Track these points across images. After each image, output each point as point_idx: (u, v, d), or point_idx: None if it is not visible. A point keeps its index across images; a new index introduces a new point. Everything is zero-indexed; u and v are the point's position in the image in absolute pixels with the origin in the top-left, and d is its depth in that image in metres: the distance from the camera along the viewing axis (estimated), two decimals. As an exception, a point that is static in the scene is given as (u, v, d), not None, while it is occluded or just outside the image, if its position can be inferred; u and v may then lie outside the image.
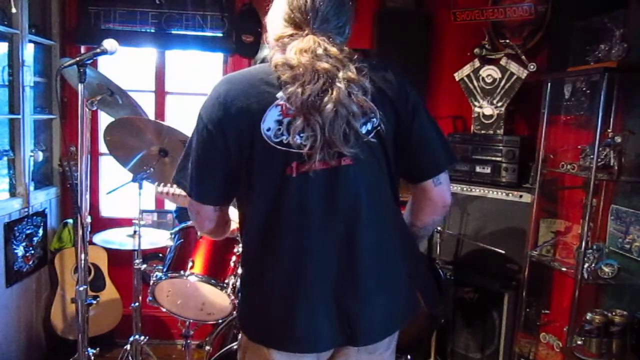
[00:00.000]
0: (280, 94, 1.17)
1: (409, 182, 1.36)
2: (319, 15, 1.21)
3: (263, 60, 3.36)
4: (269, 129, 1.17)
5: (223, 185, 1.25)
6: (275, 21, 1.27)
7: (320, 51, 1.17)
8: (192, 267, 2.12)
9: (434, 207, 1.36)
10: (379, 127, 1.22)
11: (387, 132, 1.23)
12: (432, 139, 1.30)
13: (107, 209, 3.57)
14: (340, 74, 1.15)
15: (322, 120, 1.13)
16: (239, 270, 2.16)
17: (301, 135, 1.15)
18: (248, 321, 1.30)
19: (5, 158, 2.84)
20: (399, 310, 1.31)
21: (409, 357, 2.38)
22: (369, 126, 1.21)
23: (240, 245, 2.28)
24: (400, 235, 1.33)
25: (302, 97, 1.13)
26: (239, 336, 1.39)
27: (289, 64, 1.17)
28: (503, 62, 2.91)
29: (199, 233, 2.21)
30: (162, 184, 1.86)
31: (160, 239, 2.56)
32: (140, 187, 2.36)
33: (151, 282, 2.18)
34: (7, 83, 2.82)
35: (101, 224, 3.14)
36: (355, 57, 1.22)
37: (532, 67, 2.83)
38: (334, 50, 1.19)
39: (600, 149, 2.25)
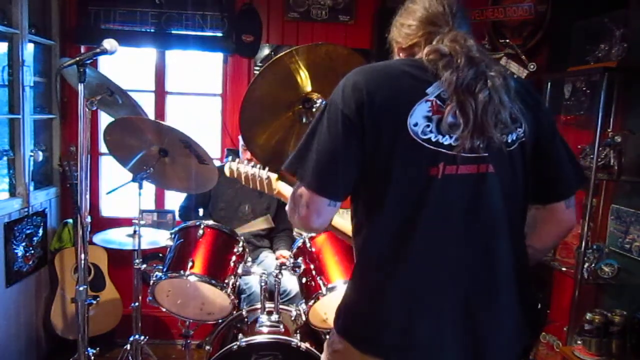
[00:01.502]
0: (430, 89, 1.11)
1: (537, 201, 1.28)
2: (456, 17, 1.22)
3: (263, 60, 3.38)
4: (416, 124, 1.10)
5: (348, 178, 1.15)
6: (408, 24, 1.24)
7: (470, 43, 1.15)
8: (192, 267, 2.12)
9: (561, 229, 1.31)
10: (523, 138, 1.17)
11: (529, 146, 1.18)
12: (567, 159, 1.26)
13: (107, 209, 3.57)
14: (494, 66, 1.14)
15: (476, 105, 1.09)
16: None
17: (451, 135, 1.10)
18: (360, 329, 1.17)
19: (5, 158, 2.84)
20: (520, 334, 1.23)
21: None
22: (514, 136, 1.15)
23: (241, 245, 2.28)
24: (524, 256, 1.25)
25: (458, 81, 1.09)
26: (329, 343, 1.27)
27: (441, 52, 1.14)
28: (503, 62, 2.91)
29: (199, 232, 2.21)
30: (237, 160, 1.72)
31: (160, 239, 2.56)
32: (140, 187, 2.36)
33: (151, 282, 2.17)
34: (7, 83, 2.82)
35: (101, 224, 3.14)
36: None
37: (532, 67, 2.84)
38: (481, 46, 1.18)
39: (600, 148, 2.25)
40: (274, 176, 1.67)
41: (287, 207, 1.30)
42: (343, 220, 1.54)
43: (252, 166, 1.68)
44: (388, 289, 1.14)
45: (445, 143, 1.10)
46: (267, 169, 1.69)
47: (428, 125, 1.10)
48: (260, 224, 2.65)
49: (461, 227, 1.12)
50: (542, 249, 1.34)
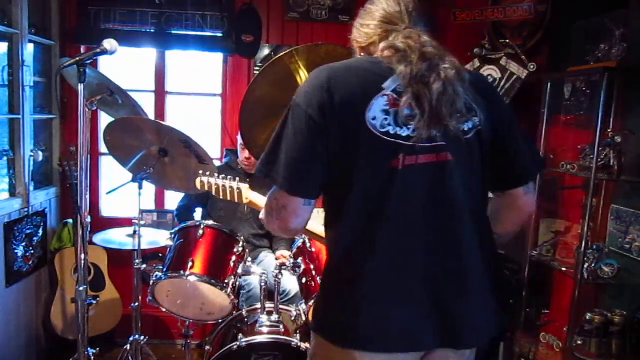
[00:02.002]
0: (386, 84, 1.16)
1: (496, 188, 1.34)
2: (412, 15, 1.27)
3: (263, 60, 3.38)
4: (374, 118, 1.15)
5: (318, 176, 1.19)
6: (368, 24, 1.30)
7: (424, 39, 1.21)
8: (192, 267, 2.12)
9: (521, 215, 1.35)
10: (479, 127, 1.22)
11: (486, 134, 1.23)
12: (525, 146, 1.30)
13: (107, 209, 3.57)
14: (446, 59, 1.19)
15: (431, 95, 1.13)
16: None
17: (409, 127, 1.15)
18: (335, 325, 1.21)
19: (5, 158, 2.84)
20: (493, 315, 1.27)
21: None
22: (470, 124, 1.21)
23: (241, 245, 2.28)
24: (489, 240, 1.30)
25: (412, 73, 1.14)
26: (310, 342, 1.30)
27: (395, 47, 1.19)
28: (503, 62, 2.91)
29: (199, 233, 2.21)
30: (208, 173, 1.77)
31: (160, 239, 2.56)
32: (140, 187, 2.36)
33: (151, 282, 2.18)
34: (7, 83, 2.82)
35: (101, 224, 3.14)
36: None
37: (532, 67, 2.84)
38: (435, 42, 1.23)
39: (600, 148, 2.25)
40: (244, 187, 1.74)
41: (261, 215, 1.35)
42: (317, 224, 1.59)
43: (223, 178, 1.73)
44: (359, 282, 1.17)
45: (404, 135, 1.15)
46: (237, 179, 1.75)
47: (386, 119, 1.15)
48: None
49: (425, 215, 1.17)
50: (505, 234, 1.38)
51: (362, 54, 1.33)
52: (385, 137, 1.15)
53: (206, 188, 1.77)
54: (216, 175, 1.77)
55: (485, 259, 1.24)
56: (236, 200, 1.73)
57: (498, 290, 1.27)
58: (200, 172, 1.81)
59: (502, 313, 1.30)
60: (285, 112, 1.21)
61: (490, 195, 1.36)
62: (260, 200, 1.71)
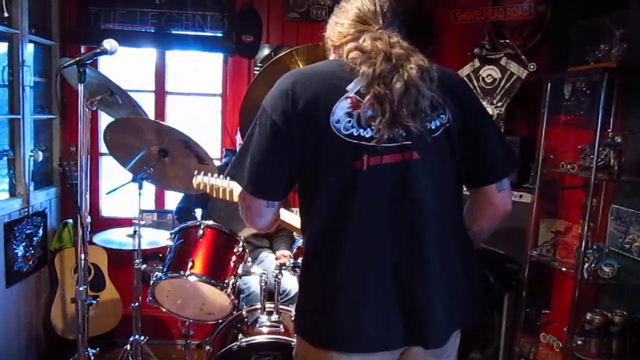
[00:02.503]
0: (350, 86, 1.17)
1: (469, 185, 1.35)
2: (386, 16, 1.27)
3: (263, 60, 3.38)
4: (338, 121, 1.16)
5: (281, 180, 1.23)
6: (342, 23, 1.30)
7: (393, 40, 1.21)
8: (192, 267, 2.12)
9: (495, 212, 1.35)
10: (447, 124, 1.22)
11: (454, 131, 1.23)
12: (497, 143, 1.30)
13: (107, 209, 3.57)
14: (412, 59, 1.19)
15: (392, 96, 1.14)
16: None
17: (372, 128, 1.15)
18: (311, 326, 1.25)
19: (5, 158, 2.84)
20: (462, 310, 1.29)
21: None
22: (437, 122, 1.21)
23: (241, 245, 2.28)
24: (462, 237, 1.31)
25: (374, 73, 1.15)
26: (295, 345, 1.33)
27: (361, 49, 1.20)
28: (503, 62, 2.91)
29: (199, 233, 2.21)
30: (202, 173, 1.79)
31: (160, 239, 2.56)
32: (140, 187, 2.36)
33: (151, 282, 2.17)
34: (7, 83, 2.82)
35: (101, 224, 3.14)
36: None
37: (532, 67, 2.84)
38: (405, 42, 1.23)
39: (600, 149, 2.25)
40: (235, 184, 1.73)
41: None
42: (292, 216, 1.65)
43: (216, 177, 1.75)
44: (328, 283, 1.20)
45: (367, 136, 1.16)
46: (229, 178, 1.74)
47: (349, 121, 1.16)
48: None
49: (391, 214, 1.18)
50: (480, 231, 1.39)
51: (334, 52, 1.34)
52: (349, 139, 1.16)
53: (202, 187, 1.79)
54: (210, 174, 1.78)
55: (457, 256, 1.26)
56: (227, 198, 1.75)
57: (473, 286, 1.29)
58: (195, 172, 1.82)
59: (476, 307, 1.32)
60: (256, 115, 1.24)
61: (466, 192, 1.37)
62: None
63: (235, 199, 1.73)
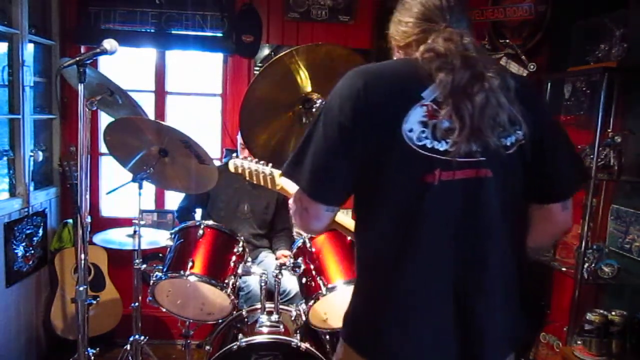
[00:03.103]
0: (426, 93, 1.08)
1: (533, 201, 1.26)
2: (454, 12, 1.17)
3: (263, 60, 3.38)
4: (411, 130, 1.07)
5: (344, 185, 1.15)
6: (405, 22, 1.21)
7: (466, 41, 1.12)
8: (192, 267, 2.12)
9: (556, 230, 1.29)
10: (522, 141, 1.14)
11: (528, 148, 1.15)
12: (568, 159, 1.23)
13: (107, 209, 3.57)
14: (490, 65, 1.11)
15: (472, 108, 1.06)
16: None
17: (447, 141, 1.08)
18: (362, 334, 1.18)
19: (5, 158, 2.84)
20: (514, 329, 1.24)
21: None
22: (513, 138, 1.13)
23: (241, 245, 2.28)
24: (520, 254, 1.25)
25: (453, 83, 1.06)
26: (338, 350, 1.26)
27: (436, 51, 1.10)
28: (503, 62, 2.91)
29: (199, 233, 2.21)
30: (242, 156, 1.70)
31: (160, 239, 2.56)
32: (140, 187, 2.36)
33: (151, 282, 2.17)
34: (7, 83, 2.82)
35: (101, 224, 3.14)
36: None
37: (532, 67, 2.84)
38: (478, 44, 1.14)
39: (600, 149, 2.25)
40: (277, 172, 1.67)
41: (290, 207, 1.30)
42: (347, 218, 1.55)
43: (256, 162, 1.69)
44: (387, 297, 1.14)
45: (441, 149, 1.08)
46: (270, 165, 1.69)
47: (423, 131, 1.08)
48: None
49: (458, 232, 1.11)
50: (536, 248, 1.34)
51: (400, 52, 1.25)
52: (422, 151, 1.07)
53: (239, 171, 1.72)
54: (249, 158, 1.72)
55: (515, 277, 1.20)
56: (269, 186, 1.68)
57: (525, 308, 1.23)
58: (234, 155, 1.76)
59: (526, 330, 1.28)
60: (318, 113, 1.16)
61: None
62: (292, 187, 1.57)
63: (276, 186, 1.66)
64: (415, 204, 1.09)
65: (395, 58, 1.27)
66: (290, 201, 1.32)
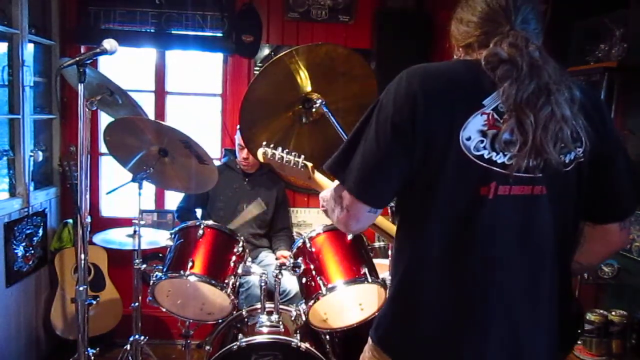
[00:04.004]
0: (487, 101, 1.03)
1: (589, 220, 1.21)
2: (520, 13, 1.09)
3: (263, 60, 3.38)
4: (469, 139, 1.02)
5: (392, 188, 1.09)
6: (467, 21, 1.14)
7: (532, 47, 1.05)
8: (192, 267, 2.12)
9: (610, 249, 1.25)
10: (581, 159, 1.08)
11: (586, 166, 1.10)
12: (627, 177, 1.17)
13: (107, 209, 3.57)
14: (557, 77, 1.04)
15: (536, 122, 1.00)
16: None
17: (505, 153, 1.03)
18: (399, 341, 1.15)
19: (5, 158, 2.84)
20: (555, 348, 1.20)
21: None
22: (572, 155, 1.07)
23: (241, 245, 2.28)
24: (567, 281, 1.21)
25: (517, 94, 1.00)
26: (365, 354, 1.24)
27: (500, 57, 1.03)
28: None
29: (199, 233, 2.21)
30: (272, 145, 1.62)
31: (160, 239, 2.56)
32: (140, 187, 2.36)
33: (151, 282, 2.17)
34: (7, 83, 2.82)
35: (101, 224, 3.14)
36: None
37: (532, 67, 2.83)
38: (544, 51, 1.07)
39: (600, 149, 2.25)
40: (310, 164, 1.60)
41: (322, 202, 1.27)
42: (386, 221, 1.52)
43: (287, 152, 1.62)
44: (433, 310, 1.10)
45: (499, 161, 1.03)
46: (302, 157, 1.61)
47: (482, 141, 1.03)
48: (253, 211, 2.65)
49: (511, 249, 1.07)
50: (588, 266, 1.30)
51: (460, 51, 1.18)
52: (478, 162, 1.03)
53: (269, 158, 1.64)
54: (280, 148, 1.64)
55: (562, 296, 1.16)
56: (299, 177, 1.62)
57: (566, 327, 1.21)
58: (264, 143, 1.65)
59: (565, 347, 1.26)
60: (370, 108, 1.10)
61: None
62: (324, 181, 1.57)
63: (309, 178, 1.60)
64: (469, 216, 1.05)
65: (455, 57, 1.21)
66: (322, 196, 1.29)
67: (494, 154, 1.03)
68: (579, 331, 1.36)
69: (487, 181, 1.03)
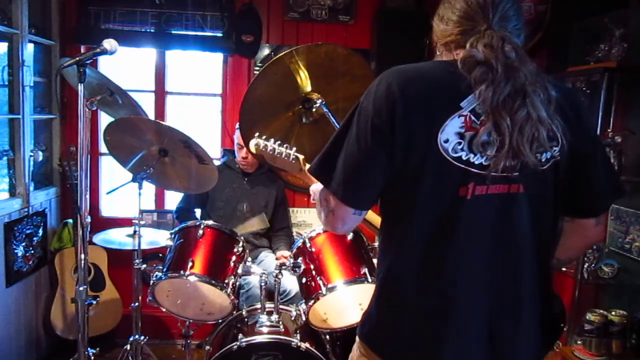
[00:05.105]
0: (464, 102, 1.04)
1: (565, 214, 1.23)
2: (498, 10, 1.09)
3: (263, 60, 3.38)
4: (447, 141, 1.04)
5: (374, 190, 1.11)
6: (447, 19, 1.15)
7: (508, 48, 1.05)
8: (192, 267, 2.12)
9: (587, 244, 1.27)
10: (558, 157, 1.10)
11: (563, 164, 1.12)
12: (603, 173, 1.19)
13: (107, 209, 3.57)
14: (533, 77, 1.05)
15: (512, 124, 1.01)
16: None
17: (482, 154, 1.04)
18: (385, 339, 1.16)
19: (5, 158, 2.84)
20: (541, 350, 1.22)
21: None
22: (549, 154, 1.09)
23: (241, 245, 2.28)
24: (548, 277, 1.22)
25: (494, 97, 1.01)
26: (354, 352, 1.26)
27: (476, 58, 1.04)
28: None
29: (199, 233, 2.21)
30: (264, 137, 1.58)
31: (160, 239, 2.56)
32: (140, 187, 2.36)
33: (151, 282, 2.18)
34: (7, 83, 2.82)
35: (101, 224, 3.14)
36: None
37: (532, 67, 2.83)
38: (520, 47, 1.07)
39: (600, 148, 2.24)
40: (302, 156, 1.60)
41: (313, 195, 1.28)
42: (374, 214, 1.51)
43: (279, 144, 1.61)
44: (415, 307, 1.12)
45: (476, 162, 1.05)
46: (294, 149, 1.60)
47: (460, 143, 1.04)
48: (255, 225, 2.66)
49: (490, 247, 1.09)
50: (565, 260, 1.31)
51: (441, 50, 1.20)
52: (456, 163, 1.04)
53: (261, 149, 1.62)
54: (273, 139, 1.62)
55: (542, 293, 1.17)
56: (289, 170, 1.61)
57: (547, 324, 1.21)
58: (257, 134, 1.62)
59: (546, 345, 1.27)
60: (351, 111, 1.12)
61: None
62: None
63: (300, 172, 1.60)
64: (449, 216, 1.06)
65: (437, 54, 1.22)
66: (313, 189, 1.29)
67: (471, 155, 1.05)
68: (562, 326, 1.37)
69: (466, 182, 1.05)
